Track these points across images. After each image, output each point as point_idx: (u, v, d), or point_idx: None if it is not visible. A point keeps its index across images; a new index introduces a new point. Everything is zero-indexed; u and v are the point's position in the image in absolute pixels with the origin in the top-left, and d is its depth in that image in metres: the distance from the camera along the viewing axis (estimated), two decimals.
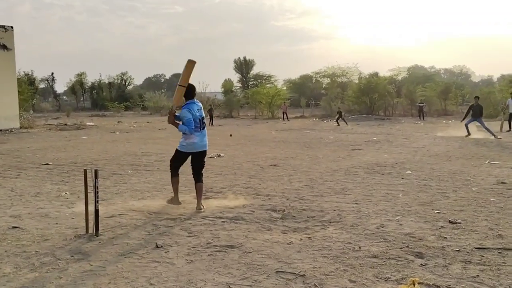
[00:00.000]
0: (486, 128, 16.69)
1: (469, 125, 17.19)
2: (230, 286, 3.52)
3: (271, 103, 41.58)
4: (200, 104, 6.30)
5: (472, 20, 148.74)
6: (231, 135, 19.69)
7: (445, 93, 38.52)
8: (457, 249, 4.31)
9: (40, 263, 4.07)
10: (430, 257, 4.12)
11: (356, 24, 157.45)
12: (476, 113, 17.36)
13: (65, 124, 28.09)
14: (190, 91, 6.16)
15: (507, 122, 19.44)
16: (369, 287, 3.47)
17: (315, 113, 41.95)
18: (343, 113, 28.82)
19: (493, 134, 16.31)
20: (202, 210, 5.98)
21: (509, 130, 18.93)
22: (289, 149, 13.89)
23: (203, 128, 6.18)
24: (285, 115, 35.60)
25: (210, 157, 11.67)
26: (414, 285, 3.42)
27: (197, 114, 6.07)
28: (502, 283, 3.51)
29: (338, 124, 26.77)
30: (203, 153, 6.31)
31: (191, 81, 6.23)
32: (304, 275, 3.72)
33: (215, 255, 4.24)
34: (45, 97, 75.02)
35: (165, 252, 4.34)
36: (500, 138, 16.08)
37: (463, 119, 17.93)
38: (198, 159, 6.27)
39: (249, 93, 46.77)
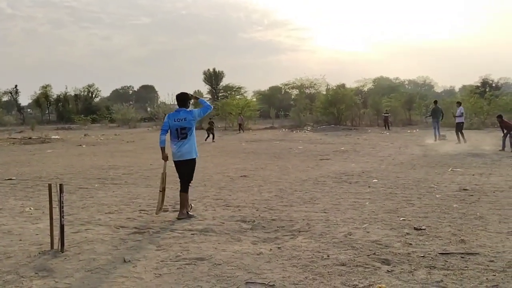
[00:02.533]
0: (437, 130, 19.15)
1: (437, 130, 19.19)
2: None
3: (241, 114, 41.70)
4: (187, 115, 6.19)
5: (434, 32, 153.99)
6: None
7: (409, 103, 39.59)
8: (422, 255, 4.43)
9: (2, 282, 3.93)
10: (396, 263, 4.22)
11: (322, 37, 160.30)
12: (435, 115, 19.60)
13: (30, 138, 27.30)
14: (177, 101, 6.40)
15: (455, 132, 18.27)
16: None
17: (285, 124, 42.28)
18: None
19: (435, 138, 19.01)
20: (181, 218, 6.17)
21: (458, 142, 17.68)
22: (259, 160, 13.95)
23: (182, 139, 6.15)
24: (241, 126, 35.33)
25: None
26: None
27: (175, 122, 6.14)
28: (465, 287, 3.63)
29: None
30: (183, 163, 6.24)
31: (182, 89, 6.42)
32: (274, 285, 3.74)
33: (184, 268, 4.21)
34: (8, 110, 72.65)
35: (133, 267, 4.28)
36: (444, 139, 18.64)
37: (434, 126, 19.86)
38: (179, 169, 6.31)
39: (219, 104, 46.75)
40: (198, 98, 6.58)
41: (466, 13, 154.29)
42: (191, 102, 6.56)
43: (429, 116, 20.65)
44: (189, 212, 6.35)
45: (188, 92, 6.57)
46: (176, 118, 6.17)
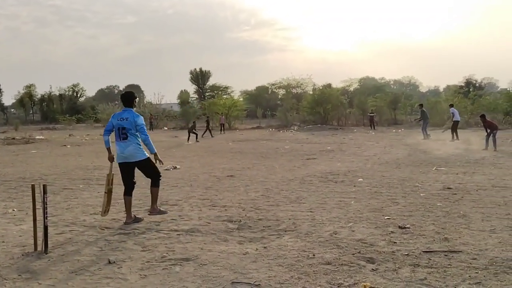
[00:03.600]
0: (424, 129, 20.70)
1: (426, 130, 20.84)
2: None
3: (228, 114, 41.64)
4: (131, 116, 5.92)
5: (419, 32, 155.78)
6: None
7: (395, 103, 39.96)
8: (406, 253, 4.48)
9: None
10: (381, 261, 4.26)
11: (309, 37, 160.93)
12: (422, 116, 21.51)
13: (13, 138, 26.89)
14: (122, 100, 6.17)
15: (451, 130, 20.08)
16: None
17: (272, 123, 42.35)
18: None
19: (424, 136, 20.27)
20: (152, 213, 6.16)
21: (453, 140, 19.43)
22: (246, 159, 13.95)
23: (123, 139, 5.91)
24: (222, 126, 34.89)
25: (166, 169, 11.53)
26: None
27: (118, 122, 5.93)
28: (448, 285, 3.68)
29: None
30: (130, 165, 6.00)
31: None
32: (259, 284, 3.75)
33: (169, 269, 4.19)
34: None
35: (118, 268, 4.25)
36: (427, 138, 19.85)
37: (422, 127, 21.36)
38: (123, 171, 6.05)
39: (206, 104, 46.65)
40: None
41: (451, 13, 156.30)
42: (137, 101, 6.26)
43: (420, 119, 22.13)
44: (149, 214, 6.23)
45: (133, 92, 6.35)
46: (120, 117, 5.95)
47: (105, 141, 6.08)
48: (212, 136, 24.36)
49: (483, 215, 6.03)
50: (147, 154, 6.07)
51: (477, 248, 4.60)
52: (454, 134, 19.58)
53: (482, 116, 16.03)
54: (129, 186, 6.07)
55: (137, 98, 6.28)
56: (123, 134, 5.91)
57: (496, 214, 6.06)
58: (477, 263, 4.15)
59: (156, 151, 6.12)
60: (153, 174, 6.14)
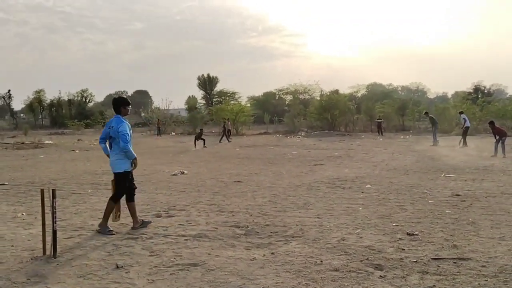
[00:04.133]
0: (434, 135, 21.22)
1: (436, 135, 21.45)
2: None
3: (235, 120, 41.70)
4: (116, 124, 5.77)
5: (427, 38, 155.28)
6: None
7: (403, 109, 39.77)
8: (415, 260, 4.45)
9: None
10: (389, 268, 4.24)
11: (316, 43, 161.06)
12: (432, 122, 22.15)
13: (22, 143, 27.12)
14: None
15: (462, 137, 20.18)
16: None
17: (279, 129, 42.33)
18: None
19: (434, 142, 20.57)
20: (135, 227, 5.92)
21: (462, 146, 19.34)
22: (253, 165, 13.95)
23: (111, 149, 5.88)
24: (229, 133, 34.59)
25: (173, 175, 11.58)
26: None
27: (107, 129, 5.90)
28: None
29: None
30: (115, 175, 5.88)
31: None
32: None
33: (177, 274, 4.20)
34: (1, 115, 72.29)
35: (126, 273, 4.26)
36: (436, 145, 20.13)
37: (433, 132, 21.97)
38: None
39: (213, 110, 46.75)
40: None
41: (459, 20, 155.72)
42: (129, 108, 6.00)
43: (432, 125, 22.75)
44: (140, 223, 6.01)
45: (123, 96, 6.17)
46: (109, 125, 5.89)
47: (103, 149, 6.02)
48: (229, 141, 24.82)
49: (492, 222, 5.98)
50: (124, 168, 5.81)
51: (486, 256, 4.56)
52: (463, 140, 19.60)
53: (491, 123, 15.94)
54: (126, 193, 5.93)
55: (129, 105, 5.98)
56: (110, 142, 5.89)
57: (505, 221, 6.01)
58: (487, 271, 4.12)
59: (135, 156, 5.87)
60: (123, 189, 5.87)
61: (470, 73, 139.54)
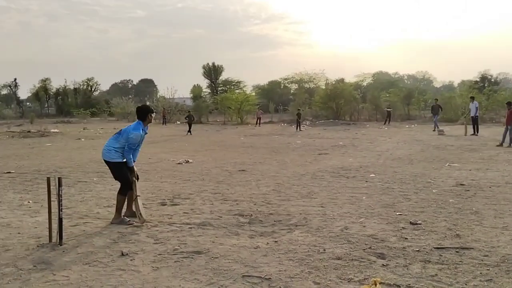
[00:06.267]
0: (435, 123, 23.11)
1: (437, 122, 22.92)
2: None
3: (240, 109, 41.66)
4: (133, 129, 5.77)
5: (434, 27, 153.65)
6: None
7: (408, 98, 39.58)
8: (417, 249, 4.47)
9: (1, 274, 3.97)
10: (392, 257, 4.26)
11: (320, 30, 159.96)
12: (434, 110, 23.74)
13: (29, 131, 27.28)
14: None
15: (472, 126, 20.15)
16: None
17: (284, 118, 42.25)
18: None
19: (435, 128, 21.99)
20: (113, 222, 5.76)
21: (474, 134, 19.65)
22: (258, 154, 13.98)
23: (115, 140, 5.88)
24: (259, 120, 35.88)
25: (178, 163, 11.63)
26: (375, 285, 3.53)
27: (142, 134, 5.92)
28: (459, 281, 3.67)
29: (299, 129, 27.37)
30: (108, 164, 5.88)
31: None
32: (270, 278, 3.78)
33: (181, 262, 4.25)
34: (7, 104, 72.45)
35: (131, 260, 4.31)
36: (442, 133, 20.45)
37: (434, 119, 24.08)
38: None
39: (218, 98, 46.67)
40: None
41: (466, 8, 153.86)
42: (152, 117, 5.92)
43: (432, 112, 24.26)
44: (135, 221, 5.74)
45: (148, 105, 6.18)
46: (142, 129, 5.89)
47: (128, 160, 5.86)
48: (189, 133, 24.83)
49: (496, 212, 5.98)
50: (117, 160, 5.78)
51: (489, 245, 4.57)
52: (476, 127, 20.00)
53: (509, 104, 15.49)
54: (121, 183, 5.83)
55: (153, 113, 5.98)
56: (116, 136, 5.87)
57: (509, 211, 6.01)
58: (489, 260, 4.13)
59: (132, 165, 5.86)
60: (124, 178, 5.81)
61: (477, 62, 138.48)
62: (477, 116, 20.48)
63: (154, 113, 6.09)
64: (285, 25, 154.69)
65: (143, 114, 5.86)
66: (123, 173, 5.80)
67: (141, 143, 6.00)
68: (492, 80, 57.28)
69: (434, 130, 22.46)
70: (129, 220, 5.73)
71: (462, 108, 32.05)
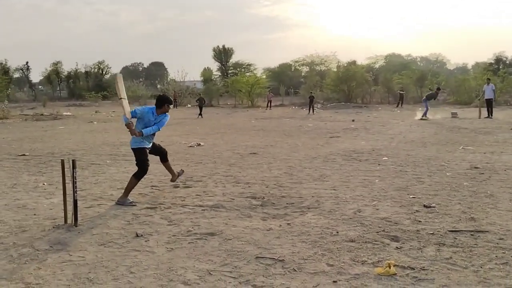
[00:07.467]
0: (426, 108, 20.75)
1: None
2: (211, 272, 3.57)
3: (251, 92, 41.53)
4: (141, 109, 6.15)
5: (448, 10, 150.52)
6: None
7: (421, 80, 39.05)
8: (431, 232, 4.44)
9: (18, 254, 4.04)
10: (405, 240, 4.24)
11: (331, 12, 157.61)
12: (430, 96, 21.52)
13: (41, 114, 27.55)
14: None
15: (485, 108, 19.91)
16: (346, 270, 3.56)
17: (295, 101, 42.07)
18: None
19: (423, 116, 20.37)
20: (118, 203, 5.88)
21: (488, 117, 19.39)
22: (269, 137, 13.96)
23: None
24: (269, 103, 35.67)
25: (190, 146, 11.67)
26: (389, 267, 3.52)
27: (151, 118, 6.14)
28: (474, 264, 3.65)
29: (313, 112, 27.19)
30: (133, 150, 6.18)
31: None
32: (283, 260, 3.79)
33: (195, 243, 4.28)
34: (20, 87, 73.07)
35: (145, 241, 4.36)
36: (426, 119, 19.70)
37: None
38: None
39: (229, 81, 46.56)
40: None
41: None
42: (168, 107, 6.18)
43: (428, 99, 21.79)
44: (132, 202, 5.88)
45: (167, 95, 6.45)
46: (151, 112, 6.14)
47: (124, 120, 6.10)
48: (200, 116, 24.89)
49: (511, 195, 5.91)
50: (139, 146, 6.04)
51: (504, 228, 4.53)
52: (487, 111, 19.75)
53: None
54: (139, 167, 6.07)
55: (171, 103, 6.40)
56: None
57: None
58: (504, 243, 4.09)
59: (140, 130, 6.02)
60: (142, 164, 6.05)
61: (491, 43, 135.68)
62: (493, 98, 20.17)
63: (171, 106, 6.25)
64: (296, 6, 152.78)
65: (161, 102, 6.11)
66: (142, 159, 6.04)
67: (153, 130, 6.04)
68: (507, 62, 56.17)
69: (422, 118, 20.40)
70: (131, 202, 5.85)
71: (476, 91, 31.54)
